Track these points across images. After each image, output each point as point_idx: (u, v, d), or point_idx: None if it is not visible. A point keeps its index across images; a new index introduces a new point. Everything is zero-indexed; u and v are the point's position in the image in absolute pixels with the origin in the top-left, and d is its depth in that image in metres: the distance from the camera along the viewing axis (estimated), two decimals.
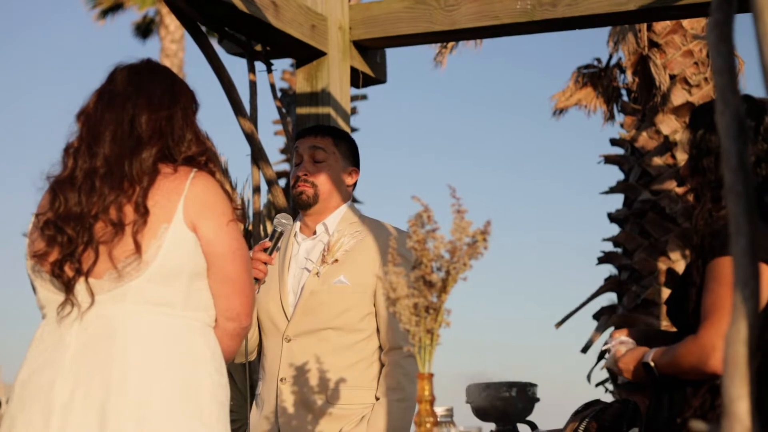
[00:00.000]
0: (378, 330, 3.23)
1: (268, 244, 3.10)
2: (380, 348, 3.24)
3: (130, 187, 2.28)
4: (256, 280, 3.09)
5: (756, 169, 2.60)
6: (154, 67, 2.45)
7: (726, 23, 1.22)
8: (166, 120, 2.36)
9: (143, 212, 2.27)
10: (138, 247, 2.26)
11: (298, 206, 3.33)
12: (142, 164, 2.30)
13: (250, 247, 3.19)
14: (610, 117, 8.44)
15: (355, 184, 3.42)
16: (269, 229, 5.98)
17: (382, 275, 3.18)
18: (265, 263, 3.07)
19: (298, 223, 3.38)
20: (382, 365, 3.23)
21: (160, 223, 2.28)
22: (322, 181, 3.30)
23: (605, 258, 8.46)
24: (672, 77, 8.02)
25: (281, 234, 3.13)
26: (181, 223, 2.30)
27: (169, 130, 2.36)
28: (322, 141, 3.35)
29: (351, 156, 3.40)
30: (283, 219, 3.14)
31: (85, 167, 2.31)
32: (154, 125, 2.34)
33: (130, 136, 2.32)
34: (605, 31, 8.19)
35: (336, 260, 3.23)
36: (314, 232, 3.33)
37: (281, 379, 3.19)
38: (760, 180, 2.61)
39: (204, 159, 2.38)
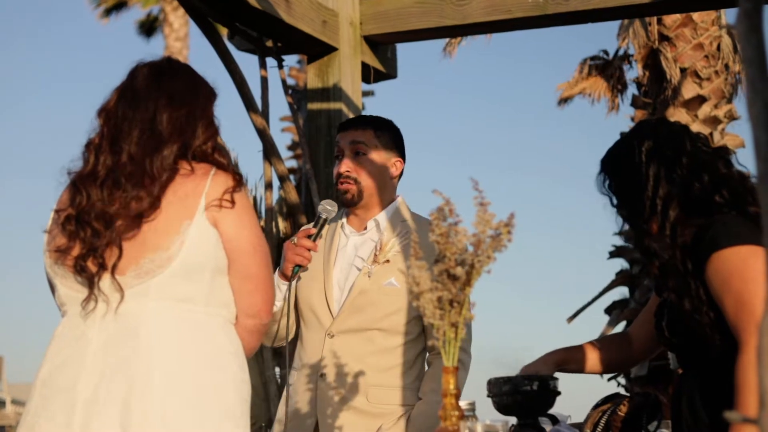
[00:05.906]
0: (424, 332, 3.17)
1: (312, 230, 3.05)
2: (424, 350, 3.20)
3: (151, 185, 2.29)
4: (299, 266, 3.05)
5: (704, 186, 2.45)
6: (175, 66, 2.46)
7: (756, 13, 1.21)
8: (186, 118, 2.36)
9: (165, 209, 2.28)
10: (161, 244, 2.26)
11: (343, 204, 3.25)
12: (163, 162, 2.30)
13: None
14: (615, 107, 8.41)
15: (400, 175, 3.31)
16: (281, 226, 5.98)
17: None
18: (309, 249, 3.03)
19: (344, 216, 3.30)
20: (424, 367, 3.19)
21: (182, 219, 2.29)
22: (365, 177, 3.21)
23: (616, 252, 8.44)
24: (683, 70, 7.99)
25: (326, 220, 3.08)
26: (203, 220, 2.30)
27: (189, 128, 2.36)
28: (362, 134, 3.25)
29: (394, 146, 3.29)
30: (328, 205, 3.09)
31: (107, 163, 2.32)
32: (175, 123, 2.35)
33: (152, 134, 2.33)
34: (614, 25, 8.18)
35: (387, 260, 3.16)
36: (365, 228, 3.25)
37: (321, 375, 3.13)
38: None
39: (210, 147, 2.36)
